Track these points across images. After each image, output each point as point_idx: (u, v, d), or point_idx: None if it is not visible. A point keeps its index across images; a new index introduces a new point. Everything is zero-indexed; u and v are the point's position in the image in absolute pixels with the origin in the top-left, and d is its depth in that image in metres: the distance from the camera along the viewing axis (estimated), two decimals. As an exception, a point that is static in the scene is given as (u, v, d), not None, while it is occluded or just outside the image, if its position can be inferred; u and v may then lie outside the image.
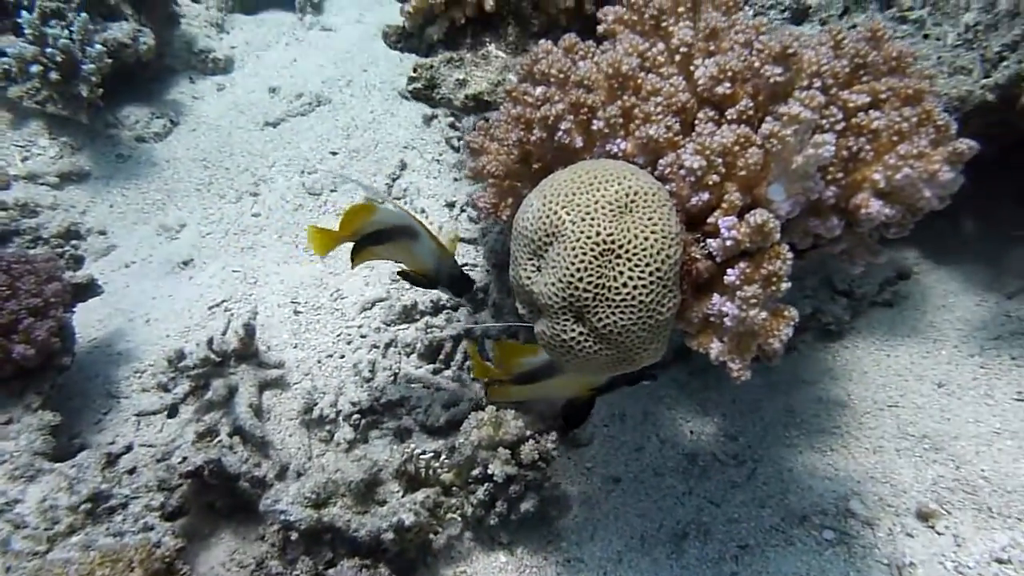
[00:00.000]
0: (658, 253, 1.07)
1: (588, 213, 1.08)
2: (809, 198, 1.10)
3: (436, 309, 2.49)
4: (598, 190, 1.09)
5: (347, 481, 1.66)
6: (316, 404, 2.18)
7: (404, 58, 3.48)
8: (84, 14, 3.16)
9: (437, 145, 3.23)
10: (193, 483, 1.83)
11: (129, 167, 3.31)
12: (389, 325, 2.48)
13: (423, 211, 2.91)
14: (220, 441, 1.94)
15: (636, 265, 1.07)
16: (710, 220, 1.11)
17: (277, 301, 2.62)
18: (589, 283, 1.08)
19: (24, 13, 3.06)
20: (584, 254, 1.07)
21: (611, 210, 1.08)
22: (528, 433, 1.81)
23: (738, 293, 1.07)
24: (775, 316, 1.08)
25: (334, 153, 3.35)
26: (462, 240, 2.69)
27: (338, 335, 2.48)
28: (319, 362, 2.39)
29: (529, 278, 1.16)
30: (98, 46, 3.19)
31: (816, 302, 2.30)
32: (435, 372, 2.30)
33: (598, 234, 1.07)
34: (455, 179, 3.04)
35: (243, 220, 3.02)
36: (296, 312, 2.58)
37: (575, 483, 2.02)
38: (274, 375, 2.28)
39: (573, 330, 1.12)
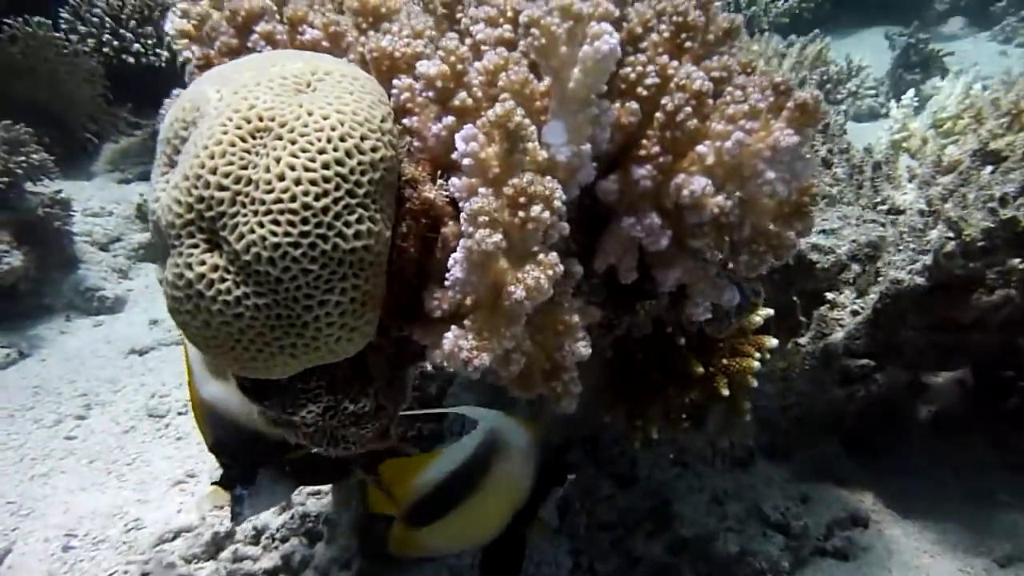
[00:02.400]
0: (341, 139, 0.62)
1: (246, 86, 0.67)
2: (596, 141, 0.71)
3: (257, 536, 1.82)
4: (274, 66, 0.69)
5: None
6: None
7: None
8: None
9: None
10: None
11: (-61, 392, 2.77)
12: (189, 561, 1.78)
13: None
14: None
15: (303, 149, 0.62)
16: (455, 155, 0.69)
17: (47, 535, 1.92)
18: (227, 174, 0.62)
19: None
20: (224, 133, 0.63)
21: (282, 84, 0.67)
22: None
23: (465, 209, 0.65)
24: (524, 258, 0.65)
25: (197, 376, 2.86)
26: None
27: (111, 575, 1.76)
28: (68, 613, 1.64)
29: (158, 199, 0.70)
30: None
31: (743, 539, 1.65)
32: (232, 622, 1.57)
33: (252, 107, 0.65)
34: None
35: (51, 444, 2.41)
36: (66, 548, 1.87)
37: None
38: (-18, 631, 1.52)
39: (203, 262, 0.64)
